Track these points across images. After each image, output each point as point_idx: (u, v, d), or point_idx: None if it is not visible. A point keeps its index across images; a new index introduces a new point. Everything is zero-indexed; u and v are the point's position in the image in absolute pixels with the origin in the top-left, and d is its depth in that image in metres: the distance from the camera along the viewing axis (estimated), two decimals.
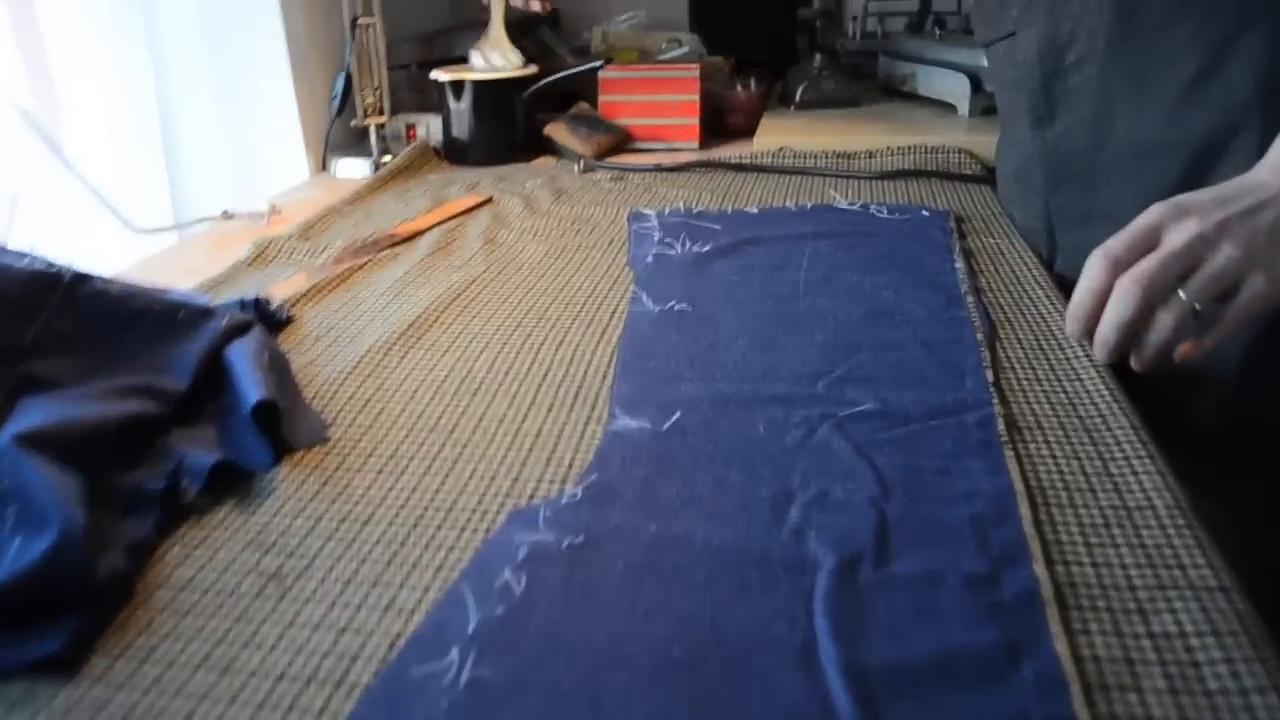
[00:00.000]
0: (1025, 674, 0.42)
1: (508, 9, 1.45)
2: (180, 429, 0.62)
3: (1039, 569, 0.48)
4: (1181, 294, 0.61)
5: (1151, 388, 0.66)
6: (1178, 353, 0.62)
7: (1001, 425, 0.62)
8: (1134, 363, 0.65)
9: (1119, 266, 0.63)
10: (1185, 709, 0.41)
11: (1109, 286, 0.64)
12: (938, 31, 1.59)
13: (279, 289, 0.88)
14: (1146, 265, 0.62)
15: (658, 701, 0.41)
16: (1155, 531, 0.52)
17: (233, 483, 0.59)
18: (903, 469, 0.57)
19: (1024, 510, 0.53)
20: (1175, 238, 0.62)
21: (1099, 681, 0.42)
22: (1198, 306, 0.61)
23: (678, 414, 0.64)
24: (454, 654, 0.44)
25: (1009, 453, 0.59)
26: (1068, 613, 0.46)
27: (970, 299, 0.80)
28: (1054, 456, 0.59)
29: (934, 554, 0.50)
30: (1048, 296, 0.82)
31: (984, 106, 1.42)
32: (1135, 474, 0.57)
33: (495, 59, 1.44)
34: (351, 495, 0.58)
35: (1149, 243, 0.63)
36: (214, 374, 0.67)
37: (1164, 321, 0.62)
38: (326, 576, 0.51)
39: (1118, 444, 0.60)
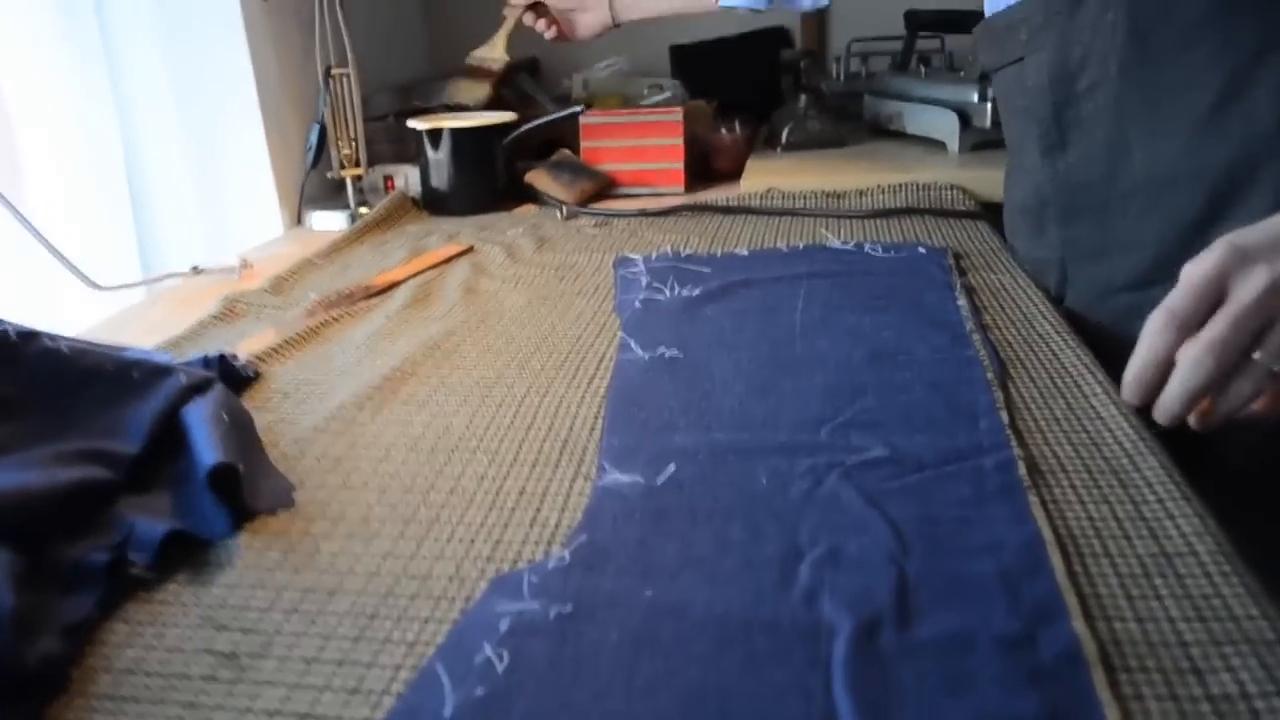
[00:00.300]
0: None
1: (518, 27, 1.47)
2: (131, 496, 0.57)
3: (1079, 626, 0.44)
4: (1257, 356, 0.55)
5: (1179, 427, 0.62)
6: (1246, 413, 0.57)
7: (1022, 469, 0.57)
8: (1195, 423, 0.58)
9: (1186, 329, 0.55)
10: None
11: (1174, 351, 0.56)
12: (923, 69, 1.57)
13: (246, 345, 0.83)
14: (1219, 331, 0.54)
15: None
16: (1201, 580, 0.47)
17: (187, 553, 0.54)
18: (919, 520, 0.53)
19: (1056, 561, 0.48)
20: (1245, 293, 0.54)
21: None
22: (1276, 369, 0.54)
23: (672, 467, 0.60)
24: None
25: (1033, 498, 0.54)
26: (1115, 675, 0.42)
27: (976, 337, 0.76)
28: (1082, 501, 0.54)
29: (961, 613, 0.45)
30: (1058, 332, 0.78)
31: (974, 142, 1.39)
32: (1172, 517, 0.52)
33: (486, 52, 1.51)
34: (317, 564, 0.53)
35: (1215, 297, 0.55)
36: (170, 436, 0.62)
37: (1240, 390, 0.55)
38: (287, 656, 0.46)
39: (1149, 486, 0.55)
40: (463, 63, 1.55)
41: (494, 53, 1.53)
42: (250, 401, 0.73)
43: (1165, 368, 0.56)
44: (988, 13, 0.95)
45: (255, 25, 1.28)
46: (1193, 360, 0.55)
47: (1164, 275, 0.60)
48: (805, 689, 0.41)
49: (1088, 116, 0.84)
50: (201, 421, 0.60)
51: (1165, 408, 0.57)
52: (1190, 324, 0.55)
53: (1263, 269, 0.54)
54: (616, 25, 1.42)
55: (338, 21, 1.30)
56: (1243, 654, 0.42)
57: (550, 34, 1.44)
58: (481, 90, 1.50)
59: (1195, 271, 0.55)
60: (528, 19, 1.45)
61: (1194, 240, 0.67)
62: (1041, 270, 0.94)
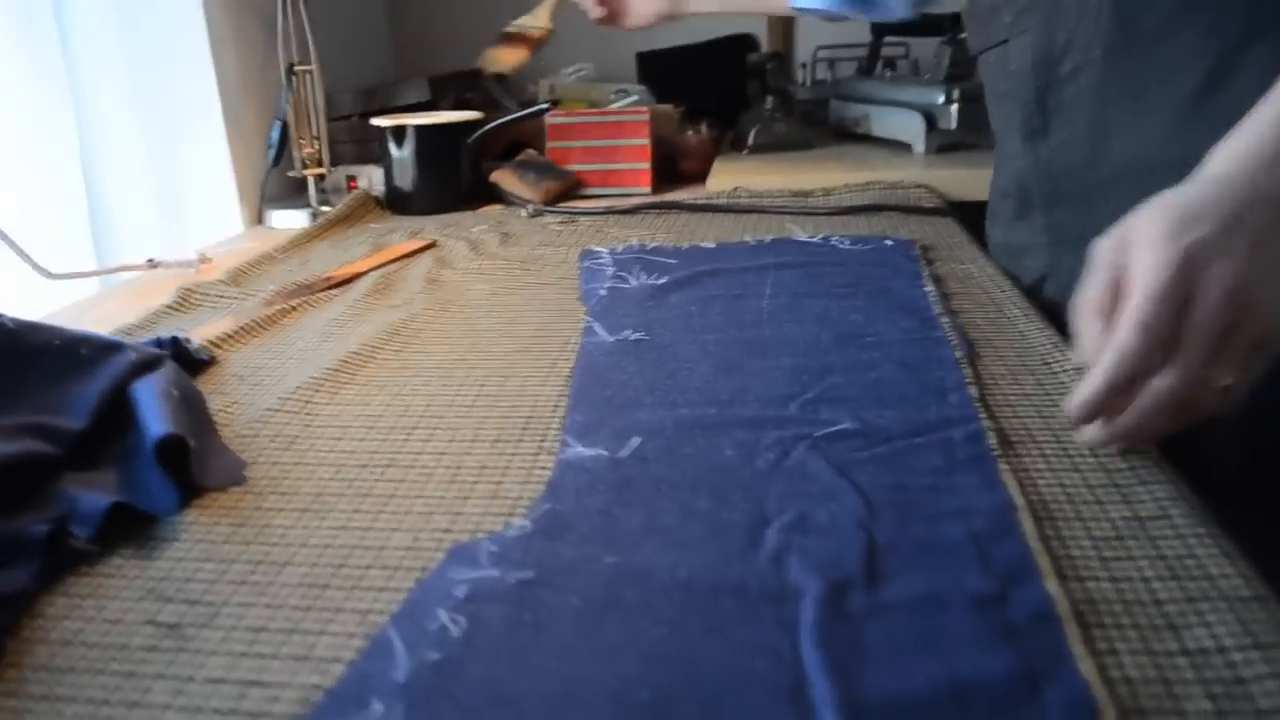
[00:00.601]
0: (1049, 700, 0.36)
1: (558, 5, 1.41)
2: (76, 473, 0.55)
3: (1051, 585, 0.43)
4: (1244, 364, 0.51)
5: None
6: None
7: (993, 439, 0.56)
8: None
9: (1165, 344, 0.50)
10: None
11: (1149, 370, 0.51)
12: (888, 73, 1.57)
13: (202, 332, 0.81)
14: (1195, 353, 0.50)
15: None
16: (1175, 542, 0.46)
17: (132, 529, 0.52)
18: (889, 488, 0.52)
19: (1027, 525, 0.47)
20: (1214, 292, 0.50)
21: (1135, 705, 0.36)
22: (1229, 382, 0.51)
23: (637, 440, 0.58)
24: (378, 707, 0.38)
25: (1004, 467, 0.53)
26: (1089, 632, 0.40)
27: (945, 320, 0.76)
28: (1053, 470, 0.53)
29: (932, 575, 0.44)
30: (1027, 316, 0.77)
31: (940, 144, 1.39)
32: (1145, 484, 0.51)
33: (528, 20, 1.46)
34: (268, 538, 0.51)
35: (1184, 297, 0.50)
36: (118, 414, 0.60)
37: (1202, 404, 0.52)
38: (235, 627, 0.44)
39: (1122, 455, 0.54)
40: (428, 64, 1.53)
41: (537, 21, 1.46)
42: (204, 385, 0.71)
43: (1133, 387, 0.52)
44: None
45: (216, 20, 1.26)
46: (1167, 388, 0.51)
47: None
48: (774, 649, 0.40)
49: (1070, 102, 0.82)
50: (151, 395, 0.58)
51: (1124, 430, 0.53)
52: (1164, 336, 0.50)
53: (1228, 264, 0.50)
54: (673, 17, 1.30)
55: (301, 19, 1.28)
56: (1218, 610, 0.41)
57: (597, 14, 1.30)
58: (518, 57, 1.45)
59: (1159, 268, 0.50)
60: None
61: None
62: (1022, 255, 0.92)
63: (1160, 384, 0.51)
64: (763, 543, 0.47)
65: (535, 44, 1.44)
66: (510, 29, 1.47)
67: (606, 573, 0.46)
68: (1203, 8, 0.71)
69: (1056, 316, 0.77)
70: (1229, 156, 0.55)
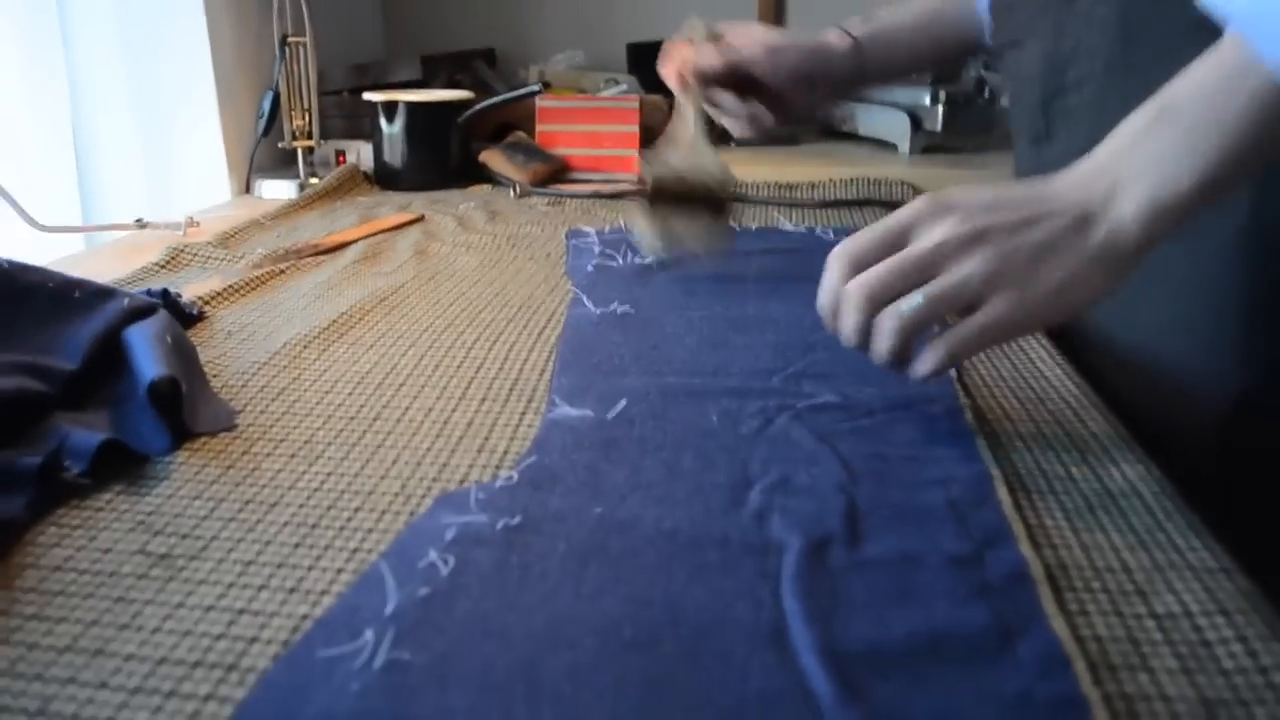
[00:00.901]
0: (1022, 653, 0.37)
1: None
2: (68, 412, 0.55)
3: (1025, 549, 0.44)
4: (905, 304, 0.52)
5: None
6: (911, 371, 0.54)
7: (970, 416, 0.57)
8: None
9: (858, 267, 0.54)
10: (1202, 688, 0.36)
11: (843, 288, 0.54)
12: None
13: (191, 289, 0.81)
14: (877, 272, 0.53)
15: (606, 683, 0.36)
16: (1144, 516, 0.48)
17: (124, 466, 0.52)
18: (869, 456, 0.53)
19: (1003, 494, 0.49)
20: (922, 242, 0.53)
21: (1104, 661, 0.37)
22: (904, 311, 0.52)
23: (623, 402, 0.59)
24: (368, 635, 0.38)
25: (980, 442, 0.54)
26: (1061, 594, 0.42)
27: None
28: (1029, 448, 0.55)
29: (910, 536, 0.45)
30: None
31: (925, 145, 1.41)
32: (1116, 464, 0.53)
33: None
34: (258, 479, 0.51)
35: (898, 243, 0.53)
36: (110, 358, 0.60)
37: (882, 329, 0.53)
38: (224, 559, 0.44)
39: (1094, 437, 0.56)
40: (419, 46, 1.53)
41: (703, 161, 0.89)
42: (193, 339, 0.71)
43: (838, 301, 0.55)
44: None
45: None
46: (849, 297, 0.53)
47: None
48: (755, 596, 0.41)
49: (1073, 110, 0.81)
50: (144, 340, 0.59)
51: (843, 339, 0.55)
52: (865, 264, 0.54)
53: (951, 222, 0.52)
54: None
55: None
56: (1185, 579, 0.42)
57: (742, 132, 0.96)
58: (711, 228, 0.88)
59: (894, 215, 0.54)
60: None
61: None
62: None
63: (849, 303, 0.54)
64: (746, 501, 0.48)
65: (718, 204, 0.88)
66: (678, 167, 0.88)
67: (592, 522, 0.46)
68: (1203, 34, 0.70)
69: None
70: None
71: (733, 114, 0.93)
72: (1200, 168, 0.51)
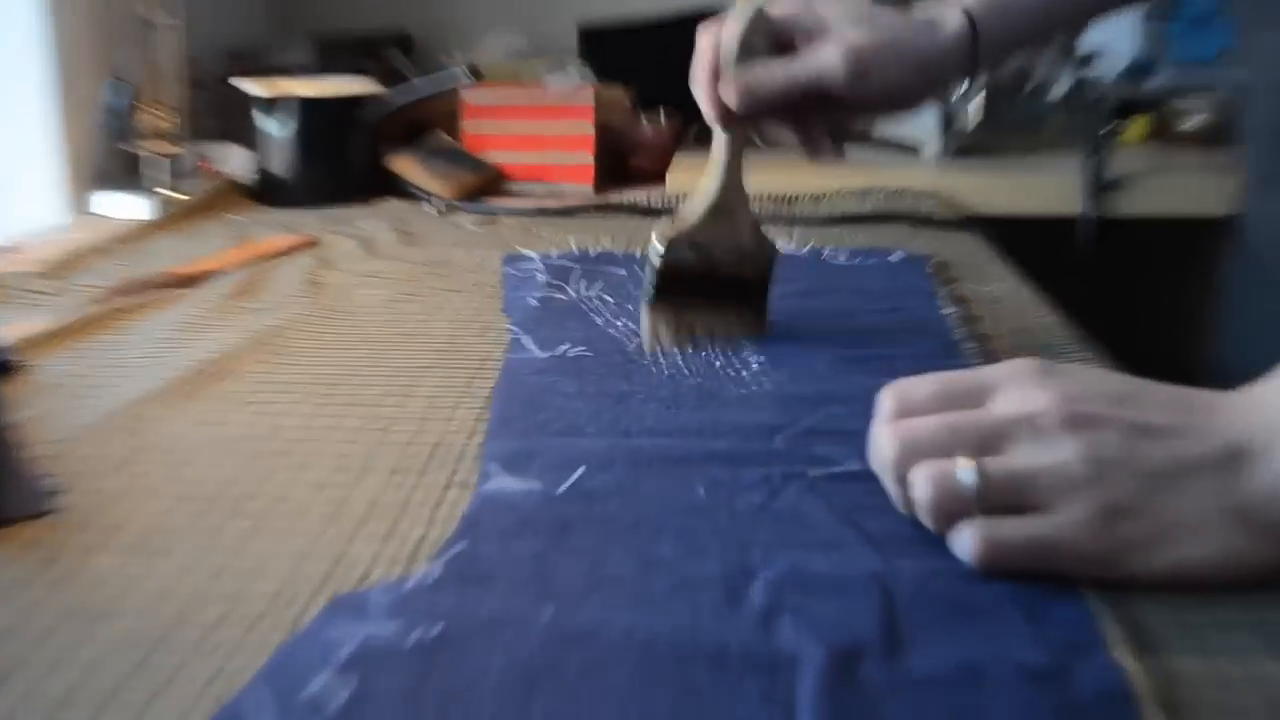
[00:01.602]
0: None
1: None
2: None
3: (1125, 658, 0.41)
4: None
5: None
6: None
7: None
8: None
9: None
10: None
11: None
12: None
13: (8, 330, 0.78)
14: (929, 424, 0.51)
15: None
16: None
17: None
18: (908, 540, 0.50)
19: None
20: (1001, 405, 0.51)
21: None
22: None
23: (580, 471, 0.57)
24: None
25: None
26: (1177, 716, 0.39)
27: (970, 345, 0.75)
28: None
29: (968, 642, 0.43)
30: (1068, 345, 0.77)
31: (956, 146, 1.41)
32: None
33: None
34: (84, 581, 0.49)
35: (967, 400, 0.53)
36: None
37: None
38: (32, 691, 0.41)
39: None
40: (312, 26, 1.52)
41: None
42: (5, 393, 0.68)
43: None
44: None
45: None
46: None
47: None
48: None
49: None
50: None
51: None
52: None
53: (1047, 396, 0.50)
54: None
55: None
56: None
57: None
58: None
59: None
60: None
61: None
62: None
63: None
64: (746, 599, 0.46)
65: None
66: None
67: (540, 630, 0.44)
68: None
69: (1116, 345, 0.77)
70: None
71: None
72: None
